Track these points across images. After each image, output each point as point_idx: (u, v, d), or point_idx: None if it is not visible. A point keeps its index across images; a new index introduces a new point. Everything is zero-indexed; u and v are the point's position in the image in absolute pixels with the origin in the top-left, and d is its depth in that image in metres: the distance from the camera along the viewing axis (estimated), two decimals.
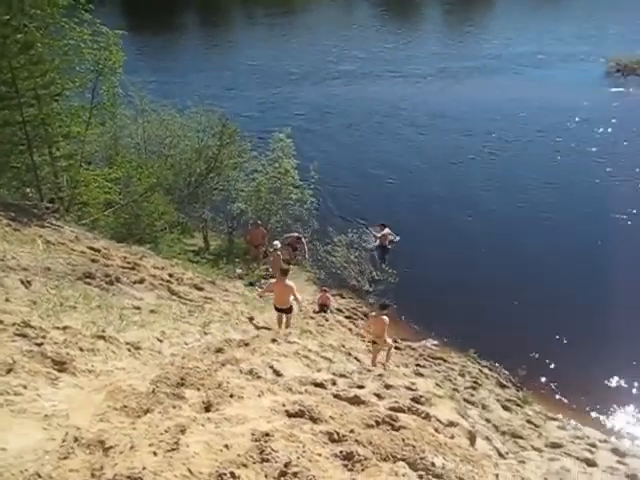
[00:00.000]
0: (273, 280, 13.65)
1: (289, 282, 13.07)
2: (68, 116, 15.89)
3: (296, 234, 20.76)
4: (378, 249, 21.48)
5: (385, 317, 13.24)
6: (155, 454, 4.06)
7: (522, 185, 26.41)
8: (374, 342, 13.47)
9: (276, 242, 19.88)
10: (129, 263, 13.22)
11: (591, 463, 10.34)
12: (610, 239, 21.51)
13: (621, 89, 39.72)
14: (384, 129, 33.61)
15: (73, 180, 16.99)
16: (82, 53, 15.51)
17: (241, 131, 24.03)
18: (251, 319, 12.92)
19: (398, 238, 21.64)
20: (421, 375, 13.57)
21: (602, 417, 14.81)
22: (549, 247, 21.46)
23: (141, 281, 11.72)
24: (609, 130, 31.97)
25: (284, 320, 13.30)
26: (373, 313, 13.92)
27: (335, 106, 37.52)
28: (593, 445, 11.73)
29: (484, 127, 33.24)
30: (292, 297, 12.98)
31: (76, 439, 4.26)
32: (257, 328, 12.40)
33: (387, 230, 21.46)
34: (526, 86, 40.08)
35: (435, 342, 17.08)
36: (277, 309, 13.27)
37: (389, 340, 13.66)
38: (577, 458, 10.44)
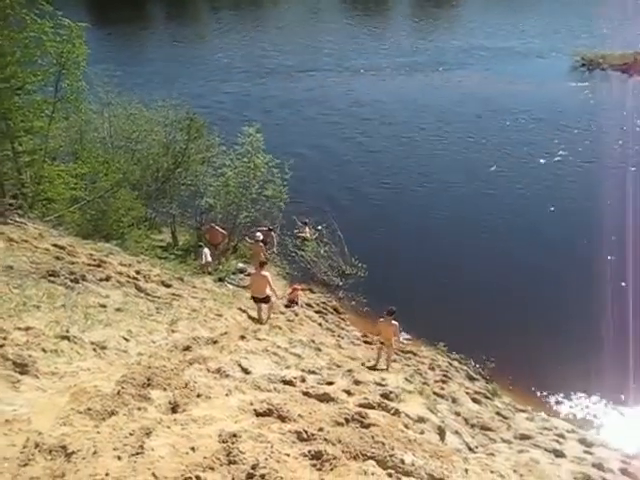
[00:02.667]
0: (253, 271, 14.84)
1: (265, 273, 14.22)
2: (31, 110, 15.50)
3: (265, 228, 20.61)
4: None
5: (395, 322, 13.92)
6: (119, 459, 3.98)
7: (487, 177, 26.71)
8: (382, 343, 14.15)
9: (258, 233, 19.80)
10: (95, 260, 12.98)
11: (559, 454, 10.41)
12: (577, 229, 21.87)
13: (586, 83, 40.29)
14: (355, 123, 33.65)
15: (37, 176, 16.62)
16: (44, 46, 15.11)
17: (209, 125, 23.81)
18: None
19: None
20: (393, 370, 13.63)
21: (570, 408, 15.01)
22: (517, 241, 21.71)
23: (107, 279, 11.52)
24: (575, 123, 32.39)
25: (263, 309, 14.33)
26: (381, 319, 14.25)
27: (305, 101, 37.48)
28: (561, 436, 11.85)
29: (449, 120, 33.53)
30: (268, 287, 14.04)
31: (37, 445, 4.16)
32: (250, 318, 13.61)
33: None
34: (492, 80, 40.57)
35: (408, 336, 17.12)
36: (254, 299, 14.38)
37: (396, 343, 14.42)
38: (545, 449, 10.50)
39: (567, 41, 47.54)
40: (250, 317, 14.19)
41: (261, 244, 19.19)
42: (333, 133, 32.49)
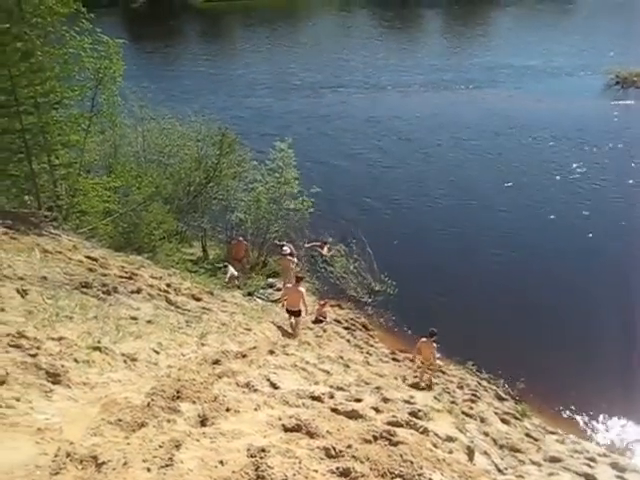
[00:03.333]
0: (289, 285, 15.76)
1: (301, 288, 15.20)
2: (67, 124, 15.84)
3: (287, 248, 20.44)
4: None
5: (434, 343, 14.56)
6: (149, 470, 4.00)
7: (524, 194, 26.51)
8: (423, 363, 14.81)
9: (285, 247, 19.91)
10: (127, 272, 13.14)
11: (590, 478, 10.22)
12: (612, 247, 21.55)
13: (620, 102, 39.85)
14: (386, 139, 33.73)
15: (72, 188, 16.95)
16: (82, 62, 15.50)
17: (241, 140, 24.02)
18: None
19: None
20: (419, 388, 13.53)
21: (602, 431, 14.72)
22: (550, 260, 21.44)
23: (138, 291, 11.65)
24: (609, 141, 32.03)
25: (293, 322, 15.20)
26: (423, 339, 14.66)
27: (337, 116, 37.67)
28: (592, 459, 11.62)
29: (484, 138, 33.42)
30: (301, 302, 14.98)
31: (68, 454, 4.19)
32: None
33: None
34: (525, 98, 40.31)
35: (437, 355, 16.99)
36: (288, 311, 15.33)
37: (436, 362, 14.98)
38: (576, 472, 10.32)
39: (600, 59, 47.08)
40: (282, 329, 14.43)
41: (289, 257, 19.28)
42: (362, 149, 32.59)
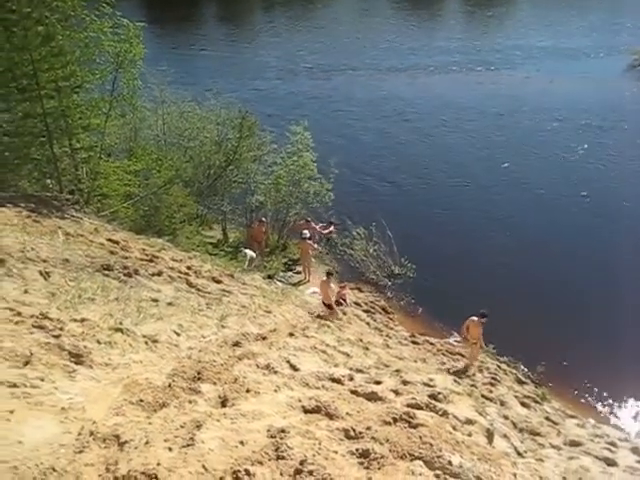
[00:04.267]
0: (324, 278, 16.10)
1: (331, 284, 15.86)
2: (88, 108, 15.90)
3: (306, 232, 20.37)
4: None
5: (482, 325, 14.70)
6: (170, 450, 4.05)
7: (544, 179, 26.21)
8: (474, 343, 14.95)
9: (305, 231, 19.90)
10: (147, 255, 13.23)
11: (611, 462, 10.17)
12: (628, 234, 21.29)
13: None
14: (405, 123, 33.48)
15: (93, 172, 17.05)
16: (102, 45, 15.52)
17: (260, 124, 23.96)
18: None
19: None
20: (441, 371, 13.52)
21: (622, 415, 14.65)
22: (570, 243, 21.27)
23: (159, 273, 11.73)
24: (631, 123, 31.57)
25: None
26: (474, 318, 14.70)
27: (354, 99, 37.39)
28: (613, 444, 11.55)
29: (504, 120, 33.09)
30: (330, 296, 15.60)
31: (92, 433, 4.26)
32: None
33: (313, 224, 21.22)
34: (547, 79, 39.72)
35: (458, 339, 16.95)
36: (323, 304, 15.80)
37: (482, 344, 15.11)
38: (597, 457, 10.28)
39: (623, 39, 46.25)
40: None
41: (309, 241, 19.29)
42: (379, 132, 32.35)
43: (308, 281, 19.70)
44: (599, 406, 14.99)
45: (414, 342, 16.34)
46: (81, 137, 16.41)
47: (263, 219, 21.07)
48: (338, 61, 44.90)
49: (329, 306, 15.62)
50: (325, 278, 15.91)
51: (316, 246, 20.18)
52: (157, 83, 23.34)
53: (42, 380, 4.90)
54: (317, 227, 21.05)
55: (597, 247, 20.91)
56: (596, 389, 15.21)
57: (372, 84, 40.15)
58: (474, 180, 26.49)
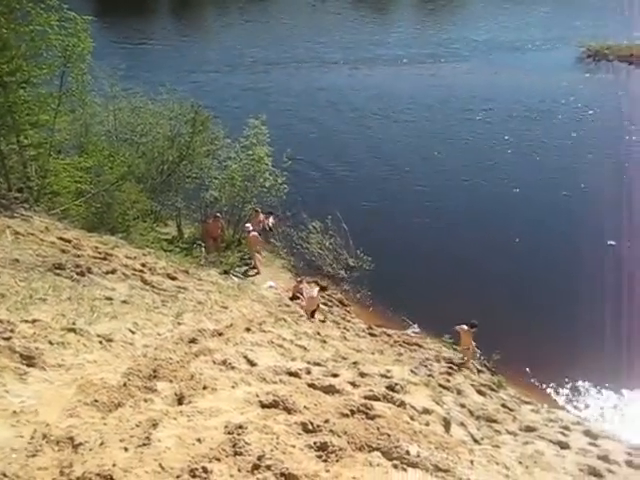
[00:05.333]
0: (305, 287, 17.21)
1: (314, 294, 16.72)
2: (36, 104, 15.50)
3: (249, 225, 20.43)
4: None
5: (472, 334, 15.39)
6: (126, 450, 4.00)
7: (495, 168, 26.74)
8: (467, 349, 15.59)
9: (247, 224, 20.30)
10: (100, 253, 13.01)
11: (564, 445, 10.41)
12: (584, 219, 21.86)
13: (592, 74, 40.11)
14: (359, 116, 33.63)
15: (42, 169, 16.66)
16: (49, 39, 15.11)
17: (214, 118, 23.76)
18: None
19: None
20: (398, 362, 13.64)
21: (575, 400, 15.04)
22: (525, 233, 21.72)
23: (113, 271, 11.54)
24: (580, 114, 32.32)
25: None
26: (464, 327, 15.39)
27: (309, 93, 37.39)
28: (566, 428, 11.84)
29: (459, 113, 33.49)
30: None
31: (45, 436, 4.18)
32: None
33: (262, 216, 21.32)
34: (501, 72, 40.35)
35: (417, 330, 17.14)
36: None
37: (474, 350, 15.73)
38: (551, 441, 10.50)
39: (572, 32, 47.12)
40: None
41: (253, 234, 19.59)
42: (337, 124, 32.48)
43: (259, 273, 19.75)
44: (553, 392, 15.37)
45: (371, 334, 16.46)
46: (29, 134, 15.99)
47: (218, 214, 20.96)
48: (299, 54, 44.82)
49: (312, 313, 16.35)
50: (317, 289, 17.02)
51: (259, 248, 20.27)
52: (107, 78, 22.89)
53: None
54: (265, 219, 21.02)
55: (547, 236, 21.39)
56: (550, 375, 15.58)
57: (333, 77, 40.29)
58: (431, 172, 26.86)
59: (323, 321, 16.06)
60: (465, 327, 15.29)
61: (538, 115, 32.75)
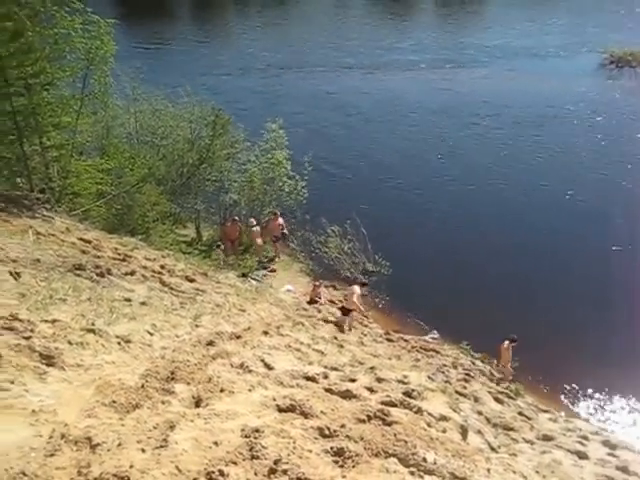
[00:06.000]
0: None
1: (358, 291, 16.27)
2: (59, 106, 15.69)
3: (252, 220, 21.05)
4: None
5: (511, 349, 15.38)
6: (143, 451, 4.02)
7: (514, 176, 26.55)
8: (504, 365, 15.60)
9: (251, 219, 21.00)
10: (120, 254, 13.11)
11: (582, 455, 10.29)
12: (603, 227, 21.67)
13: (615, 81, 39.76)
14: (379, 121, 33.58)
15: (64, 170, 16.84)
16: (73, 42, 15.30)
17: (234, 121, 23.86)
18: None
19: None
20: (415, 368, 13.58)
21: (594, 409, 14.87)
22: (546, 239, 21.57)
23: (132, 273, 11.61)
24: (604, 121, 32.04)
25: (346, 319, 16.11)
26: (505, 343, 15.48)
27: (329, 97, 37.44)
28: (585, 437, 11.71)
29: (477, 119, 33.34)
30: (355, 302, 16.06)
31: (63, 436, 4.20)
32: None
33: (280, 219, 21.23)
34: (520, 78, 40.13)
35: (436, 336, 17.05)
36: (342, 309, 16.42)
37: (509, 369, 15.59)
38: (568, 450, 10.39)
39: (595, 39, 46.74)
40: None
41: (255, 228, 20.29)
42: (355, 129, 32.47)
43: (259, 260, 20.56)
44: (571, 400, 15.19)
45: (389, 339, 16.41)
46: (52, 135, 16.16)
47: (236, 218, 21.06)
48: (320, 58, 44.94)
49: (348, 311, 16.11)
50: (357, 287, 16.39)
51: (259, 241, 20.88)
52: (129, 80, 23.10)
53: (12, 383, 4.82)
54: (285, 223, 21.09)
55: (573, 243, 21.21)
56: (568, 384, 15.41)
57: (354, 82, 40.36)
58: (450, 177, 26.70)
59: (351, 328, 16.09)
60: (506, 343, 15.28)
61: (557, 120, 32.51)
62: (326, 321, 15.73)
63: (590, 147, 28.97)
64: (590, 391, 15.31)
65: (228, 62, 44.41)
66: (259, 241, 20.78)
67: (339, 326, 15.76)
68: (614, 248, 19.97)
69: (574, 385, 15.44)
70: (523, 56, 44.85)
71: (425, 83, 40.02)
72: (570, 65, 42.72)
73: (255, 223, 20.59)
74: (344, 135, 31.72)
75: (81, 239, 13.28)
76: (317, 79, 40.93)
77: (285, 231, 21.19)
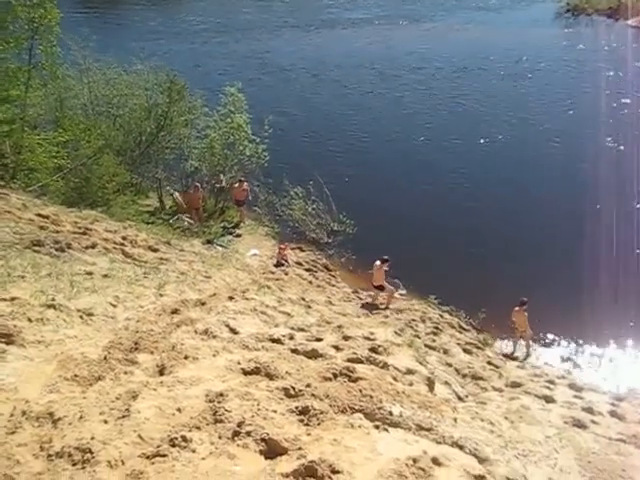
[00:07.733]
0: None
1: (384, 267, 16.06)
2: (5, 79, 15.26)
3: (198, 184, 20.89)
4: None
5: (525, 312, 14.81)
6: (105, 422, 4.00)
7: (473, 127, 26.67)
8: (517, 329, 15.28)
9: (197, 184, 20.88)
10: (80, 228, 12.91)
11: (549, 399, 10.57)
12: (564, 177, 22.01)
13: (571, 29, 39.91)
14: (337, 80, 33.31)
15: (17, 145, 16.44)
16: (14, 11, 14.82)
17: (191, 87, 23.40)
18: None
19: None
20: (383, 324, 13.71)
21: (560, 354, 15.17)
22: (506, 190, 21.80)
23: (93, 246, 11.47)
24: (559, 69, 32.23)
25: (376, 294, 16.39)
26: (516, 308, 14.93)
27: (285, 58, 36.94)
28: (551, 382, 12.03)
29: (434, 71, 33.36)
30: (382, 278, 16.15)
31: (24, 412, 4.17)
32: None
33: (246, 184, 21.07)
34: (476, 29, 40.01)
35: (403, 292, 17.17)
36: (373, 286, 16.33)
37: (529, 330, 15.02)
38: (536, 396, 10.66)
39: None
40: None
41: (199, 191, 20.36)
42: (314, 89, 32.23)
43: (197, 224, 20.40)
44: (538, 346, 15.48)
45: (357, 297, 16.53)
46: (1, 109, 15.75)
47: (197, 184, 20.81)
48: (274, 20, 44.31)
49: (379, 287, 16.15)
50: (379, 263, 16.09)
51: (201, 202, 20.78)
52: (79, 49, 22.42)
53: None
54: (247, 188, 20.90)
55: (537, 192, 21.47)
56: (534, 331, 15.67)
57: (310, 41, 40.03)
58: (410, 134, 26.69)
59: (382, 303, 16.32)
60: (517, 308, 14.98)
61: (512, 72, 32.61)
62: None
63: (529, 94, 29.41)
64: (556, 336, 15.61)
65: (186, 26, 43.55)
66: (198, 204, 20.76)
67: (374, 299, 16.31)
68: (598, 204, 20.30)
69: (541, 331, 15.69)
70: (477, 9, 44.68)
71: (381, 39, 39.70)
72: (526, 15, 42.79)
73: (197, 184, 20.66)
74: (305, 96, 31.38)
75: (39, 215, 13.02)
76: (275, 41, 40.45)
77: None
